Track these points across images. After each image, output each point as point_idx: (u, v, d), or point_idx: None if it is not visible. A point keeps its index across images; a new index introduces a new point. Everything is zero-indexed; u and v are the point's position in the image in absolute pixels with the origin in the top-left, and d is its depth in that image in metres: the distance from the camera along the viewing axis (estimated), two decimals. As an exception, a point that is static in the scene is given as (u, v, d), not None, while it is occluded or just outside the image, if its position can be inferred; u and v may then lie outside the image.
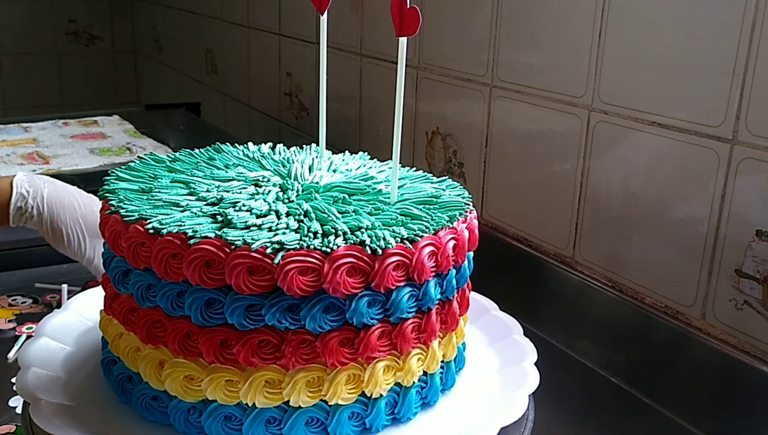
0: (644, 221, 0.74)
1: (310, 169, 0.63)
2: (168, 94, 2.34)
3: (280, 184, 0.58)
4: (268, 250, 0.47)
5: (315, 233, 0.49)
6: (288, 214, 0.52)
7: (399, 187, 0.59)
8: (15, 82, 2.41)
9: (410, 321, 0.52)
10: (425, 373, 0.56)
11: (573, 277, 0.82)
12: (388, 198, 0.57)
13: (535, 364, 0.61)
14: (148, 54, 2.47)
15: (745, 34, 0.63)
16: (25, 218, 0.78)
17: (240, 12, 1.72)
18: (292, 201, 0.55)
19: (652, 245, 0.74)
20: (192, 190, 0.56)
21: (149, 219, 0.50)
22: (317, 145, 0.67)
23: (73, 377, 0.58)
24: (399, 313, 0.51)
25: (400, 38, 0.53)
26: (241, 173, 0.60)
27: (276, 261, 0.47)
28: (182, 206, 0.53)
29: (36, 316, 0.84)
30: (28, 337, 0.78)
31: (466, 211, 0.58)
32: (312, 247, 0.48)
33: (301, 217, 0.52)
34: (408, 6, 0.52)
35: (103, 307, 0.58)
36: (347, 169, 0.65)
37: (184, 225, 0.49)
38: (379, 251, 0.49)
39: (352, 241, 0.49)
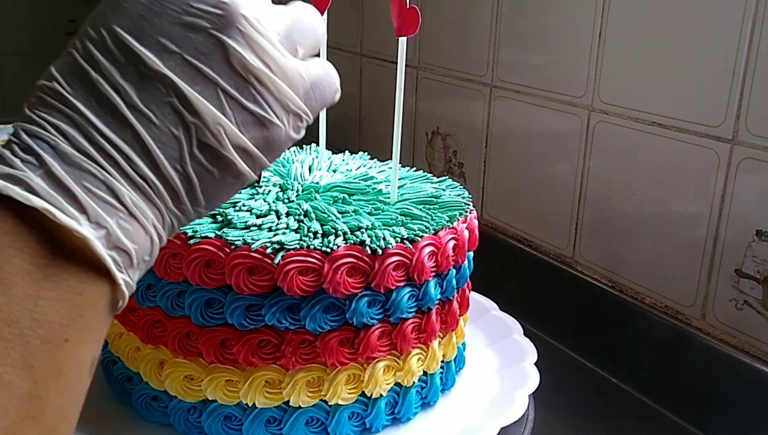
0: (644, 221, 0.74)
1: (310, 169, 0.63)
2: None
3: (280, 184, 0.58)
4: (268, 250, 0.47)
5: (315, 233, 0.49)
6: (288, 214, 0.52)
7: (399, 187, 0.59)
8: (15, 82, 2.41)
9: (410, 321, 0.52)
10: (425, 373, 0.56)
11: (573, 276, 0.82)
12: (388, 198, 0.57)
13: (535, 364, 0.61)
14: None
15: (745, 33, 0.63)
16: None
17: (240, 12, 1.71)
18: (292, 201, 0.55)
19: (652, 245, 0.74)
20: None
21: (149, 219, 0.50)
22: (317, 145, 0.67)
23: (73, 377, 0.58)
24: (399, 313, 0.51)
25: (400, 38, 0.53)
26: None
27: (276, 261, 0.47)
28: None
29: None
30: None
31: (466, 211, 0.58)
32: (312, 247, 0.48)
33: (301, 217, 0.52)
34: (408, 6, 0.52)
35: (103, 307, 0.58)
36: (347, 169, 0.65)
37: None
38: (379, 251, 0.49)
39: (352, 241, 0.49)
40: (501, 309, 0.71)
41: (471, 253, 0.60)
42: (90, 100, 0.30)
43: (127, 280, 0.30)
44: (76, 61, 0.30)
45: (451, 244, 0.54)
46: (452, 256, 0.54)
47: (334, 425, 0.52)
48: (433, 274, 0.53)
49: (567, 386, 0.74)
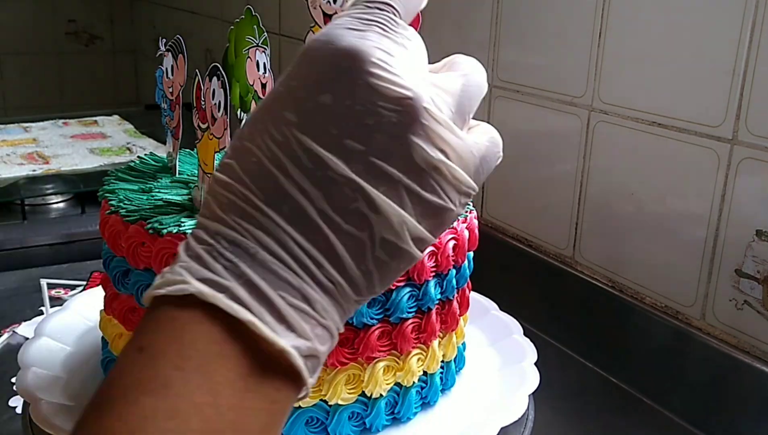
0: (644, 221, 0.74)
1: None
2: (168, 94, 2.33)
3: (280, 184, 0.58)
4: (268, 250, 0.47)
5: (315, 233, 0.49)
6: (288, 214, 0.52)
7: (399, 187, 0.59)
8: (15, 82, 2.41)
9: (410, 321, 0.52)
10: (425, 373, 0.56)
11: (573, 276, 0.82)
12: (388, 198, 0.57)
13: (535, 364, 0.61)
14: (148, 54, 2.47)
15: (745, 33, 0.63)
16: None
17: (240, 12, 1.71)
18: (292, 201, 0.55)
19: (652, 245, 0.74)
20: (192, 190, 0.56)
21: (149, 219, 0.50)
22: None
23: (73, 377, 0.58)
24: (399, 313, 0.51)
25: (400, 38, 0.53)
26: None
27: (276, 261, 0.47)
28: (182, 206, 0.53)
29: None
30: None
31: (466, 211, 0.58)
32: (312, 247, 0.48)
33: (301, 217, 0.52)
34: (408, 6, 0.52)
35: (103, 307, 0.58)
36: (347, 169, 0.64)
37: (184, 225, 0.49)
38: (379, 251, 0.49)
39: (352, 241, 0.49)
40: (501, 309, 0.71)
41: (471, 253, 0.60)
42: (282, 208, 0.30)
43: (312, 381, 0.30)
44: (263, 165, 0.30)
45: (451, 244, 0.54)
46: (452, 256, 0.54)
47: (334, 425, 0.52)
48: (433, 274, 0.53)
49: (567, 386, 0.74)
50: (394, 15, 0.33)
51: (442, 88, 0.33)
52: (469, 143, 0.33)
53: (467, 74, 0.36)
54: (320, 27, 0.47)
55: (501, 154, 0.36)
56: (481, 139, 0.34)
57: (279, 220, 0.30)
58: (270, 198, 0.30)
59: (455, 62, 0.36)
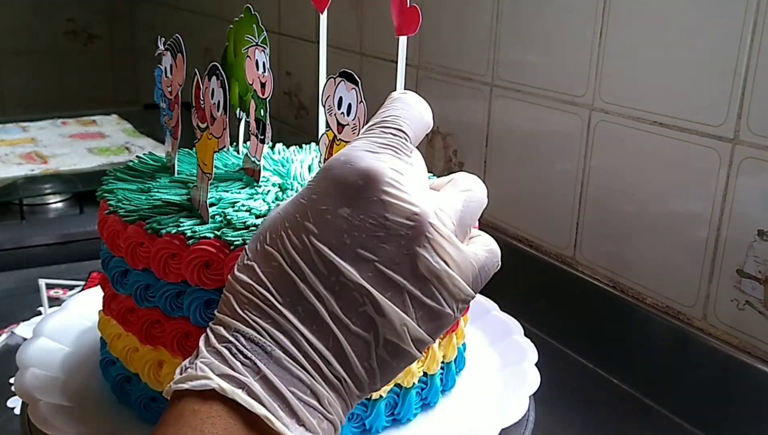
0: (645, 221, 0.74)
1: (310, 168, 0.63)
2: (167, 93, 2.33)
3: (279, 184, 0.58)
4: (268, 251, 0.47)
5: (315, 233, 0.49)
6: (287, 214, 0.52)
7: (399, 187, 0.59)
8: (13, 82, 2.40)
9: (410, 321, 0.52)
10: (425, 374, 0.55)
11: (574, 276, 0.82)
12: (388, 198, 0.57)
13: (536, 364, 0.61)
14: (147, 53, 2.47)
15: (746, 32, 0.63)
16: None
17: (239, 11, 1.71)
18: (292, 201, 0.54)
19: (653, 245, 0.74)
20: (190, 189, 0.56)
21: (148, 219, 0.50)
22: (317, 144, 0.67)
23: (72, 378, 0.58)
24: (399, 314, 0.51)
25: (400, 37, 0.53)
26: (240, 172, 0.60)
27: (275, 261, 0.47)
28: (181, 206, 0.53)
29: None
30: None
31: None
32: (312, 247, 0.48)
33: (301, 217, 0.51)
34: (408, 5, 0.52)
35: (101, 308, 0.58)
36: (347, 169, 0.64)
37: (183, 225, 0.49)
38: (379, 251, 0.49)
39: (352, 242, 0.48)
40: (501, 309, 0.70)
41: (471, 253, 0.59)
42: (297, 309, 0.33)
43: None
44: (283, 269, 0.34)
45: (452, 244, 0.53)
46: (453, 257, 0.54)
47: (333, 426, 0.51)
48: (434, 274, 0.52)
49: (567, 387, 0.74)
50: (406, 140, 0.37)
51: (446, 204, 0.37)
52: (469, 255, 0.37)
53: (468, 190, 0.40)
54: (334, 132, 0.52)
55: (499, 263, 0.39)
56: (480, 251, 0.38)
57: (294, 320, 0.33)
58: (287, 299, 0.33)
59: (458, 180, 0.40)
